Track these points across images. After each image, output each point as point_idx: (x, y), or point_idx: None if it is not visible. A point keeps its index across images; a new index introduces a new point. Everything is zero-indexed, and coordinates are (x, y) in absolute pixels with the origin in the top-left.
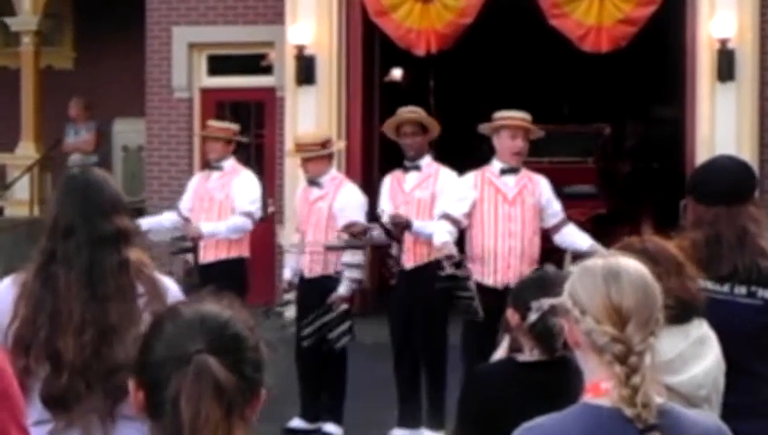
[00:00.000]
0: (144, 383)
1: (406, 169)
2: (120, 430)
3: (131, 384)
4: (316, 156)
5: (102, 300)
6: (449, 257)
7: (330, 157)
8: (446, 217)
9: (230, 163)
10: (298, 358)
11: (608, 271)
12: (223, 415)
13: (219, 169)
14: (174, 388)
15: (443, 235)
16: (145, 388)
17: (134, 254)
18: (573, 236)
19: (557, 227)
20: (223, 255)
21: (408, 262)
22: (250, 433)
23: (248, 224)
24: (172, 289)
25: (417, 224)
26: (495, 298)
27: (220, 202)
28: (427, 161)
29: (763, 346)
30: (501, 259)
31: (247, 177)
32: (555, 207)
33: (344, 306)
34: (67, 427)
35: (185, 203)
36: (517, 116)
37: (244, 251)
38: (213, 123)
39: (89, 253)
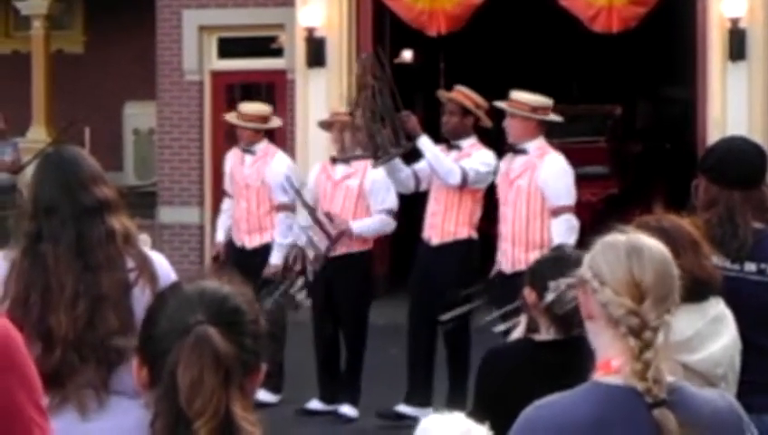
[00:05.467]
0: (147, 358)
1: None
2: (115, 403)
3: (135, 362)
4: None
5: (93, 270)
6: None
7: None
8: None
9: (262, 147)
10: (316, 341)
11: (630, 246)
12: (220, 384)
13: (252, 153)
14: (173, 357)
15: None
16: (148, 363)
17: (118, 223)
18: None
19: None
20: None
21: (434, 239)
22: (250, 406)
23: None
24: (163, 264)
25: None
26: (498, 282)
27: (257, 190)
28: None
29: None
30: (499, 244)
31: (280, 159)
32: (547, 193)
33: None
34: (62, 403)
35: (228, 186)
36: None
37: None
38: (243, 107)
39: (74, 227)
